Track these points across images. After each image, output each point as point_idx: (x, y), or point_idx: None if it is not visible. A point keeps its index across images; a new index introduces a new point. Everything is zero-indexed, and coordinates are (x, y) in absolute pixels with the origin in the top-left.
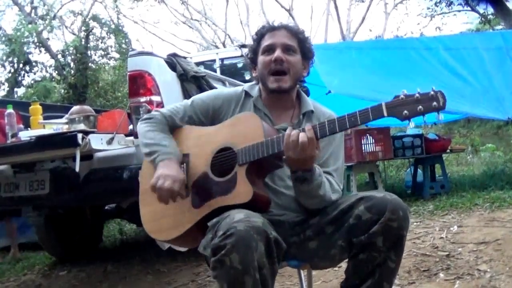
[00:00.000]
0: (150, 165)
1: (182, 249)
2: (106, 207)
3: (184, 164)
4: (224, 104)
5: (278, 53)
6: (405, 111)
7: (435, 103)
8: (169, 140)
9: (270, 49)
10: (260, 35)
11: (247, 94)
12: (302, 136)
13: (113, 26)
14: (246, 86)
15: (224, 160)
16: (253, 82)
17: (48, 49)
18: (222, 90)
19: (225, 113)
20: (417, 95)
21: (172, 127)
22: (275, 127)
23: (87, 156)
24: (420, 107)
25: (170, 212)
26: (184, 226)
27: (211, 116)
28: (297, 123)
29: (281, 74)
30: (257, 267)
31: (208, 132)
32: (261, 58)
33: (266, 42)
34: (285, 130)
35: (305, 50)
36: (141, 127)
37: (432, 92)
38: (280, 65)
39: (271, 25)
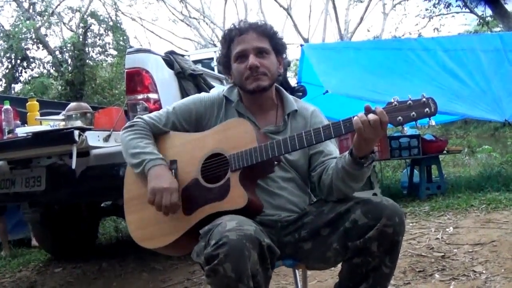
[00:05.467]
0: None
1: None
2: (102, 204)
3: (172, 170)
4: (207, 109)
5: (252, 60)
6: (399, 117)
7: (427, 109)
8: (152, 146)
9: (243, 55)
10: (228, 40)
11: (227, 99)
12: (373, 118)
13: (111, 23)
14: (225, 90)
15: (215, 166)
16: (231, 85)
17: (45, 46)
18: (204, 94)
19: (209, 118)
20: (410, 101)
21: (155, 133)
22: (261, 131)
23: (84, 153)
24: (413, 113)
25: (159, 220)
26: (176, 233)
27: (194, 121)
28: (283, 125)
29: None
30: (250, 275)
31: (195, 138)
32: (235, 66)
33: (237, 48)
34: (271, 133)
35: (277, 46)
36: (123, 136)
37: (423, 99)
38: (256, 72)
39: (239, 28)
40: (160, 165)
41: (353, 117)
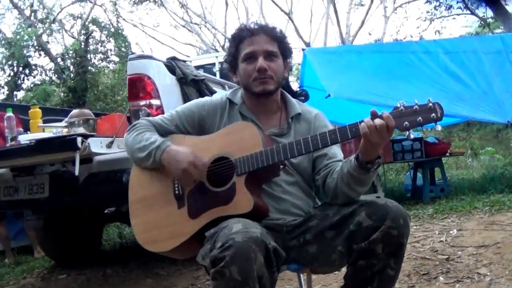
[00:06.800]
0: (139, 173)
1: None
2: (105, 211)
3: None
4: (209, 113)
5: (261, 62)
6: (406, 122)
7: (433, 114)
8: (157, 135)
9: (251, 57)
10: (238, 40)
11: (231, 102)
12: (380, 123)
13: (112, 30)
14: (228, 93)
15: (220, 169)
16: (235, 87)
17: (47, 53)
18: (206, 98)
19: (211, 122)
20: (416, 106)
21: (160, 133)
22: (265, 133)
23: (87, 159)
24: (420, 118)
25: (165, 223)
26: (181, 236)
27: (197, 125)
28: (286, 128)
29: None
30: (256, 278)
31: (200, 142)
32: (243, 66)
33: (246, 49)
34: (275, 135)
35: (285, 51)
36: (127, 137)
37: (430, 104)
38: (264, 74)
39: (249, 29)
40: (169, 148)
41: (359, 122)
